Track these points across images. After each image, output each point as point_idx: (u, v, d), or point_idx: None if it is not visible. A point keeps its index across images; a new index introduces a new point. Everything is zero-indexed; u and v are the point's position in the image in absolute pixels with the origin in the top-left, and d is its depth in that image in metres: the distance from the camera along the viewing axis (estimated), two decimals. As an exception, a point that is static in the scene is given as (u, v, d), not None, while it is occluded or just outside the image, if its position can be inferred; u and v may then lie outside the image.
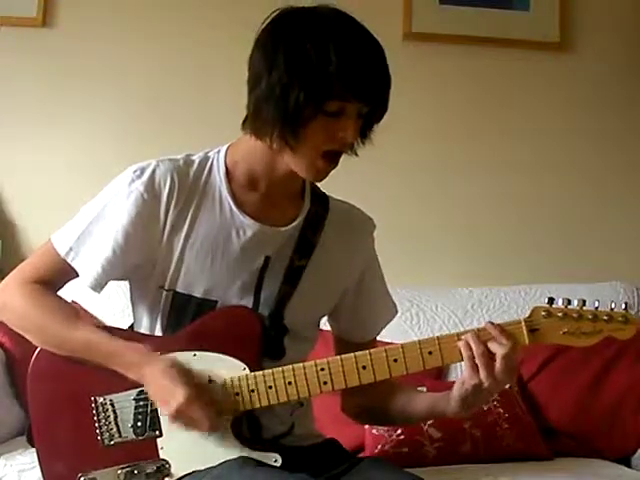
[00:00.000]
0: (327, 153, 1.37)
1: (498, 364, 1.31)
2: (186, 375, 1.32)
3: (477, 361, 1.31)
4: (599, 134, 2.92)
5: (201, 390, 1.32)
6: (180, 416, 1.30)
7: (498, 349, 1.31)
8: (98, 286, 1.42)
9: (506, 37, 2.87)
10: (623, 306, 1.33)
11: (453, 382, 2.33)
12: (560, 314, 1.33)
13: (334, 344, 1.62)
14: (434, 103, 2.88)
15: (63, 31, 2.76)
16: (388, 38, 2.85)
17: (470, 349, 1.32)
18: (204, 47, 2.76)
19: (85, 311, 2.40)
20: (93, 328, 1.40)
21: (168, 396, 1.30)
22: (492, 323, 1.35)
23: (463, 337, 1.34)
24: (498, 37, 2.87)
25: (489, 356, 1.31)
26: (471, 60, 2.88)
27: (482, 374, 1.31)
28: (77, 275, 1.43)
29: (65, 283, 1.46)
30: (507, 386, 2.00)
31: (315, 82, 1.31)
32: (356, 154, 1.45)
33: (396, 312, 1.66)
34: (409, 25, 2.84)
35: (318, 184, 1.56)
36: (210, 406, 1.31)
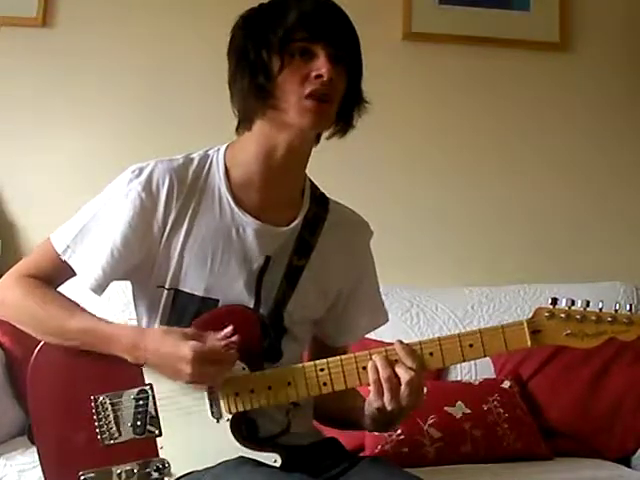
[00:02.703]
0: (311, 95, 1.36)
1: (403, 389, 1.29)
2: (180, 332, 1.32)
3: (383, 385, 1.30)
4: (599, 134, 2.92)
5: (201, 337, 1.32)
6: (199, 370, 1.29)
7: (404, 374, 1.30)
8: (99, 288, 1.42)
9: (506, 37, 2.87)
10: (627, 307, 1.30)
11: (453, 382, 2.37)
12: (563, 315, 1.31)
13: (308, 345, 1.59)
14: (434, 103, 2.88)
15: (63, 31, 2.76)
16: (388, 38, 2.91)
17: (376, 372, 1.31)
18: (205, 46, 2.75)
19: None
20: (90, 316, 1.39)
21: (176, 362, 1.30)
22: (401, 342, 1.33)
23: (372, 357, 1.32)
24: (498, 37, 2.87)
25: (395, 380, 1.30)
26: (471, 60, 2.88)
27: (386, 398, 1.30)
28: (74, 274, 1.43)
29: (63, 281, 1.46)
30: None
31: (273, 33, 1.35)
32: (353, 125, 1.46)
33: (385, 321, 1.64)
34: (409, 25, 2.84)
35: (320, 188, 1.56)
36: (216, 347, 1.31)
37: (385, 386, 1.30)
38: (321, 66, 1.34)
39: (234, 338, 1.33)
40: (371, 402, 1.34)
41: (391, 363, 1.31)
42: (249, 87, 1.37)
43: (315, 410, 1.56)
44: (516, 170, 2.89)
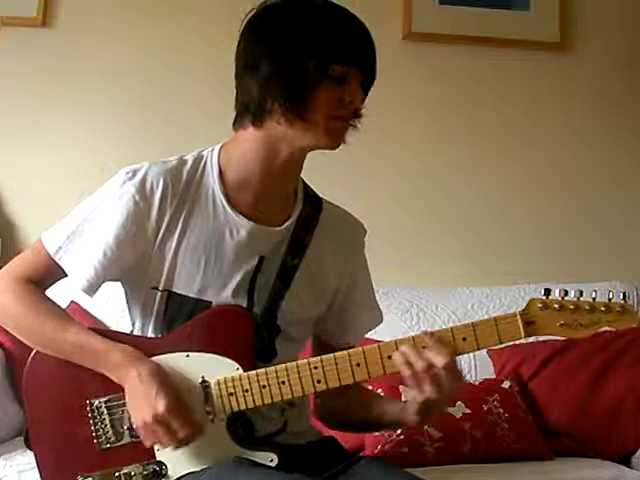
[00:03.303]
0: (338, 117, 1.37)
1: (443, 375, 1.29)
2: (168, 384, 1.31)
3: (420, 377, 1.29)
4: (599, 133, 2.92)
5: (181, 403, 1.31)
6: (155, 424, 1.28)
7: (439, 360, 1.29)
8: (91, 289, 1.41)
9: (506, 37, 2.87)
10: (620, 296, 1.30)
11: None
12: (556, 305, 1.30)
13: (312, 345, 1.60)
14: (434, 103, 2.88)
15: (63, 31, 2.76)
16: (388, 38, 2.90)
17: (410, 366, 1.30)
18: (205, 45, 2.75)
19: (85, 312, 2.40)
20: (82, 330, 1.38)
21: (145, 403, 1.29)
22: (426, 332, 1.33)
23: (401, 350, 1.31)
24: (498, 37, 2.87)
25: (432, 370, 1.29)
26: (471, 60, 2.88)
27: (428, 389, 1.30)
28: (66, 275, 1.42)
29: (54, 282, 1.45)
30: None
31: (321, 47, 1.34)
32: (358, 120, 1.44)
33: (381, 320, 1.64)
34: (409, 25, 2.84)
35: (318, 189, 1.56)
36: (188, 419, 1.30)
37: (424, 377, 1.29)
38: (354, 94, 1.36)
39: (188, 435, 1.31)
40: (415, 398, 1.32)
41: (421, 352, 1.30)
42: (283, 92, 1.34)
43: (334, 417, 1.58)
44: (516, 170, 2.89)
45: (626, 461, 2.20)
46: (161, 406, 1.28)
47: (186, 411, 1.31)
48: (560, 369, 2.33)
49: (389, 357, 1.33)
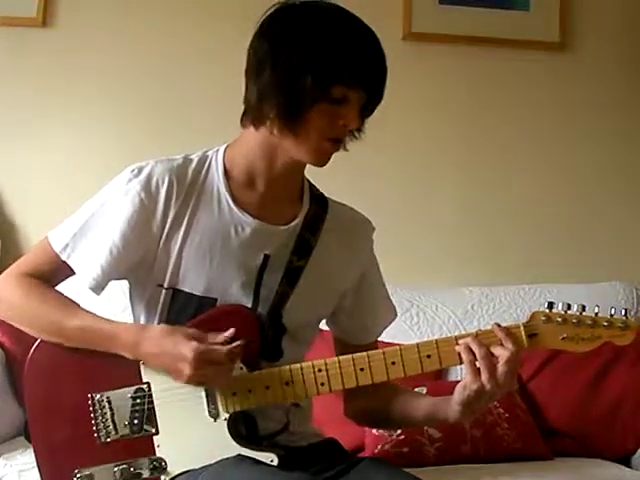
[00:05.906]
0: (330, 139, 1.38)
1: (501, 367, 1.29)
2: (182, 332, 1.32)
3: (479, 364, 1.30)
4: (599, 134, 2.92)
5: (202, 338, 1.32)
6: (198, 372, 1.30)
7: (502, 352, 1.30)
8: (98, 287, 1.42)
9: (506, 37, 2.87)
10: (623, 312, 1.32)
11: (453, 382, 2.37)
12: (559, 319, 1.32)
13: (334, 345, 1.61)
14: (434, 103, 2.88)
15: (63, 31, 2.76)
16: (388, 38, 2.85)
17: (471, 352, 1.31)
18: (207, 44, 2.76)
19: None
20: (89, 314, 1.39)
21: (176, 362, 1.30)
22: (499, 325, 1.34)
23: (462, 341, 1.32)
24: (498, 37, 2.87)
25: (491, 359, 1.30)
26: (471, 60, 2.88)
27: (484, 377, 1.29)
28: (73, 273, 1.43)
29: (61, 280, 1.45)
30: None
31: (324, 65, 1.32)
32: (356, 137, 1.45)
33: (396, 315, 1.65)
34: (409, 25, 2.84)
35: (318, 187, 1.56)
36: (216, 348, 1.31)
37: (482, 364, 1.29)
38: (351, 116, 1.36)
39: (237, 342, 1.33)
40: (468, 385, 1.31)
41: (484, 344, 1.31)
42: (279, 103, 1.34)
43: (370, 417, 1.58)
44: (516, 170, 2.89)
45: (626, 461, 2.20)
46: (188, 355, 1.29)
47: (212, 345, 1.31)
48: (560, 369, 2.33)
49: (393, 363, 1.34)
